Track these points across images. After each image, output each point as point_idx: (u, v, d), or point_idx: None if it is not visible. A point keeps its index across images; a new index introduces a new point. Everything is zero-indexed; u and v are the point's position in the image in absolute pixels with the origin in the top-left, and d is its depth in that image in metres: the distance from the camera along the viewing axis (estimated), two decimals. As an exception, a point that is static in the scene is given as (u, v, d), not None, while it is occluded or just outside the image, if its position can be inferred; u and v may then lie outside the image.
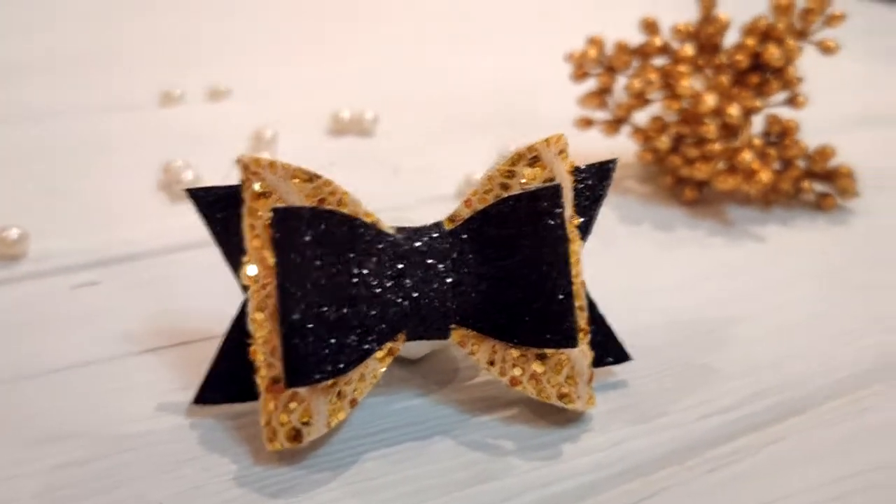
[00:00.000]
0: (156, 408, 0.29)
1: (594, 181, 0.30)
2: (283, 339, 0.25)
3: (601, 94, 0.46)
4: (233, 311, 0.28)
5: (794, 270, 0.39)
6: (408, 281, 0.27)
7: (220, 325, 0.32)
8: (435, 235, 0.28)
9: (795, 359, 0.33)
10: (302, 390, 0.26)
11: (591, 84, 0.47)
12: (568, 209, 0.29)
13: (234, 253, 0.28)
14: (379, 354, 0.27)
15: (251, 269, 0.27)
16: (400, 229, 0.28)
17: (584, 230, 0.30)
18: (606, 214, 0.44)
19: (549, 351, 0.28)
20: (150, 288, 0.36)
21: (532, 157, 0.28)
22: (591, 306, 0.31)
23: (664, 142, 0.44)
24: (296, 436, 0.26)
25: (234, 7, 0.79)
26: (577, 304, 0.28)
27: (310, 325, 0.26)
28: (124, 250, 0.38)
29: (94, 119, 0.51)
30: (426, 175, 0.47)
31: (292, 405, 0.26)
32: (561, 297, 0.27)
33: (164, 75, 0.58)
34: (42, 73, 0.59)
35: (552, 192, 0.28)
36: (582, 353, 0.29)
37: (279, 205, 0.26)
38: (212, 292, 0.35)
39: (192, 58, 0.64)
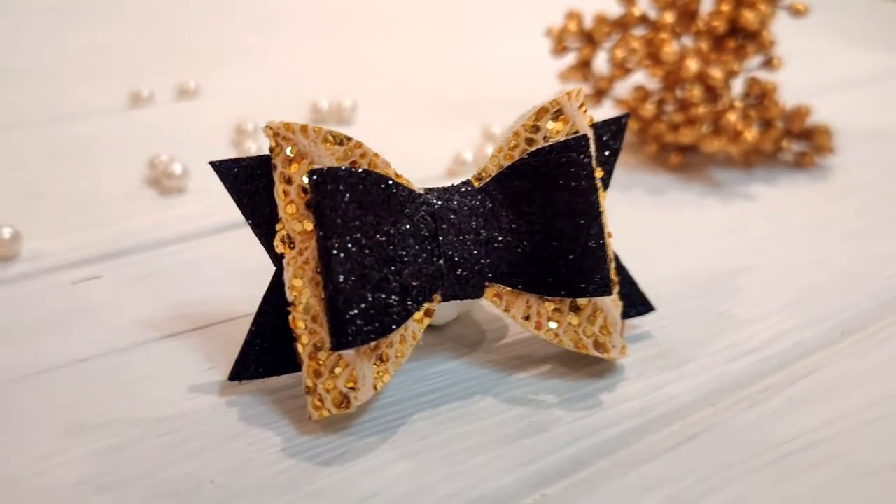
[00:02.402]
0: (188, 389, 0.28)
1: (609, 135, 0.31)
2: (328, 302, 0.25)
3: (582, 68, 0.46)
4: (243, 295, 0.28)
5: (787, 224, 0.41)
6: (442, 239, 0.27)
7: (233, 306, 0.32)
8: (465, 193, 0.28)
9: (809, 300, 0.34)
10: (347, 355, 0.26)
11: (571, 58, 0.47)
12: (593, 161, 0.29)
13: (263, 223, 0.27)
14: (417, 316, 0.27)
15: (286, 237, 0.26)
16: (429, 190, 0.28)
17: (605, 183, 0.31)
18: (598, 184, 0.44)
19: (582, 302, 0.28)
20: (154, 279, 0.35)
21: (555, 110, 0.29)
22: (616, 258, 0.31)
23: (649, 109, 0.44)
24: (343, 401, 0.26)
25: (189, 8, 0.78)
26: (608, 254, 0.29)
27: (354, 288, 0.25)
28: (121, 245, 0.37)
29: (70, 124, 0.50)
30: (411, 158, 0.46)
31: (337, 370, 0.26)
32: (594, 245, 0.28)
33: (130, 79, 0.57)
34: (12, 81, 0.57)
35: (581, 143, 0.28)
36: (614, 303, 0.29)
37: (315, 167, 0.26)
38: (217, 278, 0.35)
39: (155, 61, 0.62)
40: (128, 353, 0.30)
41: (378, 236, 0.26)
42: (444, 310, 0.31)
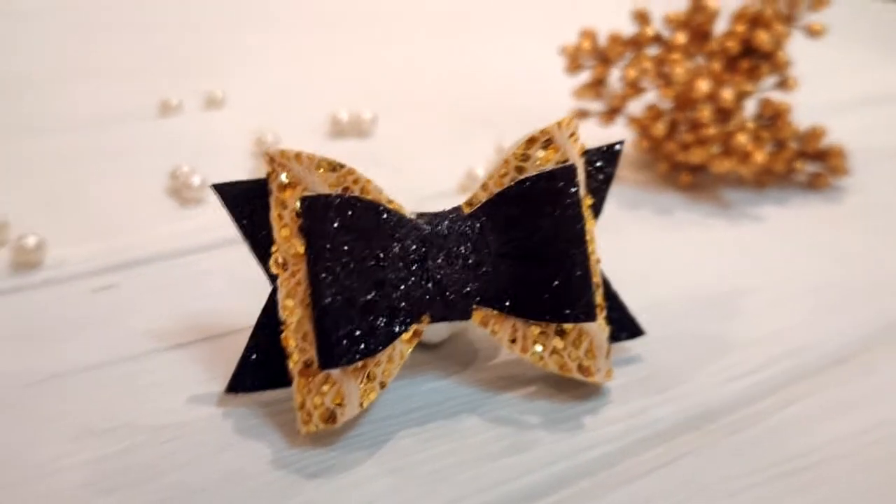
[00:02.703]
0: (188, 399, 0.29)
1: (603, 162, 0.31)
2: (316, 322, 0.26)
3: (596, 86, 0.47)
4: (251, 306, 0.29)
5: (793, 246, 0.41)
6: (430, 263, 0.28)
7: (241, 319, 0.33)
8: (455, 219, 0.29)
9: (803, 326, 0.34)
10: (334, 373, 0.27)
11: (585, 76, 0.48)
12: (581, 189, 0.30)
13: (260, 244, 0.28)
14: (405, 336, 0.28)
15: (280, 258, 0.28)
16: (420, 215, 0.29)
17: (597, 210, 0.31)
18: (607, 201, 0.45)
19: (568, 326, 0.29)
20: (169, 289, 0.36)
21: (545, 140, 0.29)
22: (605, 283, 0.32)
23: (660, 128, 0.45)
24: (330, 417, 0.27)
25: (223, 17, 0.80)
26: (593, 280, 0.29)
27: (341, 309, 0.26)
28: (139, 254, 0.39)
29: (96, 131, 0.52)
30: (426, 173, 0.48)
31: (325, 388, 0.27)
32: (579, 272, 0.28)
33: (160, 86, 0.59)
34: (41, 87, 0.59)
35: (568, 172, 0.29)
36: (600, 327, 0.30)
37: (307, 194, 0.27)
38: (229, 290, 0.36)
39: (185, 68, 0.64)
40: (136, 362, 0.31)
41: (367, 260, 0.27)
42: (437, 329, 0.32)
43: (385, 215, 0.28)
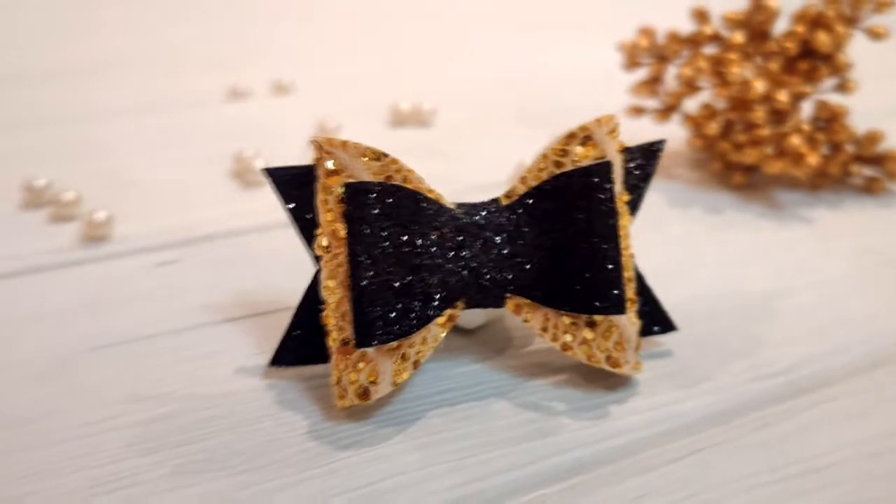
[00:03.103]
0: (235, 371, 0.31)
1: (643, 160, 0.32)
2: (353, 303, 0.28)
3: (652, 83, 0.47)
4: (302, 285, 0.31)
5: (840, 250, 0.40)
6: (466, 252, 0.29)
7: (291, 297, 0.35)
8: (493, 210, 0.30)
9: (839, 329, 0.34)
10: (369, 351, 0.28)
11: (642, 73, 0.48)
12: (618, 185, 0.30)
13: (307, 226, 0.30)
14: (440, 320, 0.29)
15: (324, 241, 0.29)
16: (460, 205, 0.30)
17: (634, 206, 0.32)
18: (657, 198, 0.45)
19: (598, 318, 0.30)
20: (225, 266, 0.38)
21: (584, 136, 0.30)
22: (640, 278, 0.32)
23: (713, 128, 0.45)
24: (364, 393, 0.28)
25: (293, 5, 0.82)
26: (626, 275, 0.30)
27: (377, 291, 0.28)
28: (200, 232, 0.41)
29: (168, 114, 0.55)
30: (480, 163, 0.49)
31: (360, 365, 0.28)
32: (610, 266, 0.29)
33: (231, 72, 0.61)
34: (116, 72, 0.62)
35: (603, 169, 0.29)
36: (630, 321, 0.30)
37: (350, 180, 0.28)
38: (281, 269, 0.38)
39: (256, 56, 0.67)
40: (189, 333, 0.33)
41: (404, 246, 0.28)
42: (474, 315, 0.33)
43: (424, 204, 0.29)
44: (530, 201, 0.30)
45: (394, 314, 0.28)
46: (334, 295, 0.29)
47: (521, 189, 0.30)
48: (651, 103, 0.49)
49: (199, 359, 0.32)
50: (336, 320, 0.29)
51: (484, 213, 0.30)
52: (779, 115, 0.44)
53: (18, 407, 0.29)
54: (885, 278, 0.38)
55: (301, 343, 0.30)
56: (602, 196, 0.29)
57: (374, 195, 0.28)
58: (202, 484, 0.26)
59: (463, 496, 0.26)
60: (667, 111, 0.47)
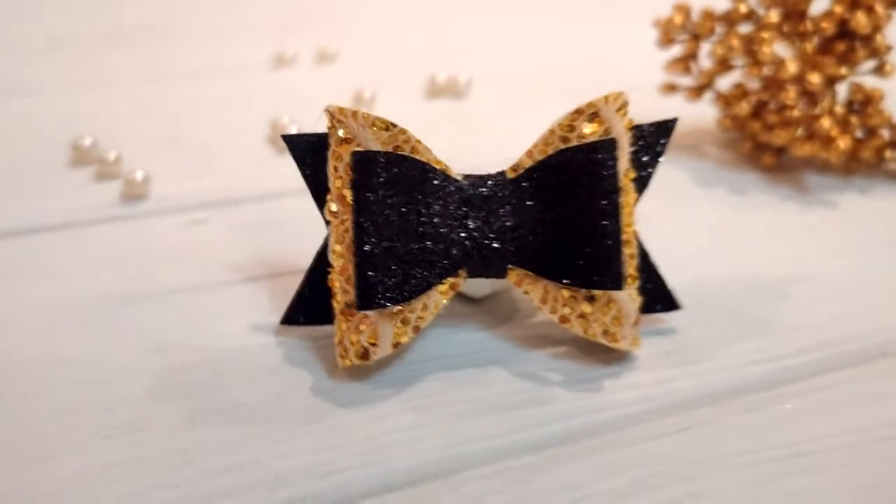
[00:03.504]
0: (250, 327, 0.33)
1: (653, 138, 0.32)
2: (356, 268, 0.29)
3: (686, 61, 0.47)
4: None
5: (865, 237, 0.40)
6: (470, 223, 0.30)
7: (311, 259, 0.36)
8: (498, 182, 0.31)
9: (852, 318, 0.34)
10: (371, 314, 0.29)
11: (676, 50, 0.48)
12: (623, 163, 0.31)
13: (320, 192, 0.31)
14: (442, 288, 0.30)
15: (333, 206, 0.30)
16: (467, 176, 0.31)
17: (642, 184, 0.32)
18: (683, 176, 0.45)
19: (597, 293, 0.30)
20: (251, 228, 0.40)
21: (591, 112, 0.31)
22: (644, 256, 0.33)
23: (744, 107, 0.45)
24: (364, 354, 0.30)
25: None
26: (627, 251, 0.31)
27: (379, 257, 0.29)
28: (231, 195, 0.43)
29: (212, 80, 0.56)
30: (510, 136, 0.49)
31: (362, 327, 0.30)
32: (610, 242, 0.30)
33: (277, 40, 0.62)
34: (168, 38, 0.64)
35: (607, 146, 0.30)
36: (630, 297, 0.31)
37: (358, 149, 0.30)
38: (305, 232, 0.39)
39: (303, 23, 0.68)
40: (212, 290, 0.35)
41: (408, 215, 0.29)
42: (480, 285, 0.34)
43: (430, 174, 0.30)
44: (535, 175, 0.31)
45: (395, 280, 0.29)
46: (340, 259, 0.30)
47: (528, 163, 0.31)
48: (685, 81, 0.49)
49: (218, 314, 0.34)
50: (341, 283, 0.30)
51: (489, 185, 0.31)
52: (810, 97, 0.43)
53: (54, 351, 0.32)
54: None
55: (310, 304, 0.32)
56: (605, 173, 0.30)
57: (381, 164, 0.29)
58: (209, 432, 0.28)
59: (452, 456, 0.28)
60: (699, 89, 0.47)
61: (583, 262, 0.30)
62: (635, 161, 0.32)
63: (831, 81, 0.44)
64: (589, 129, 0.31)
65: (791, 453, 0.28)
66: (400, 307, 0.30)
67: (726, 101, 0.46)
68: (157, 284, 0.35)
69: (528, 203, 0.31)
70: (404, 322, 0.30)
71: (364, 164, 0.29)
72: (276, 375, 0.31)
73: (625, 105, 0.31)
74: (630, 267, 0.31)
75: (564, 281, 0.30)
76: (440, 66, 0.57)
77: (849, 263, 0.38)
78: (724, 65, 0.46)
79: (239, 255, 0.38)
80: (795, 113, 0.43)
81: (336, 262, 0.30)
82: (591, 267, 0.30)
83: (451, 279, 0.30)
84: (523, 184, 0.31)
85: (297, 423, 0.29)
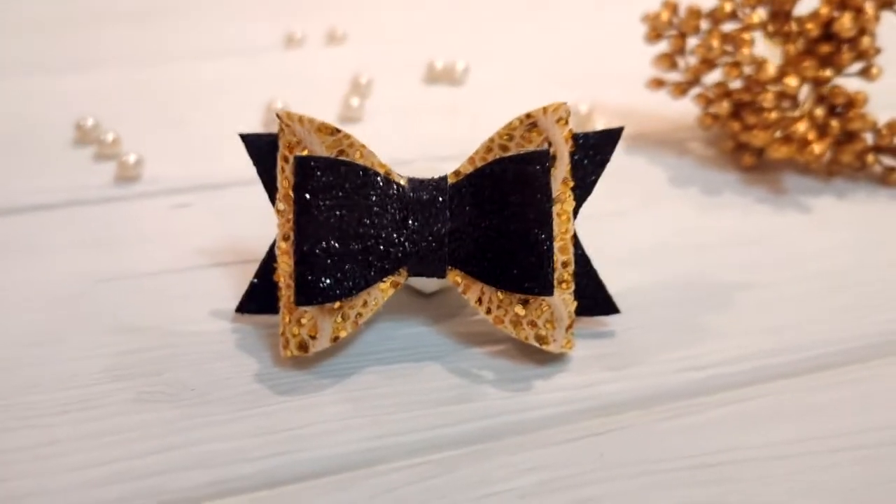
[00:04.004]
0: (210, 313, 0.35)
1: (596, 148, 0.33)
2: (294, 266, 0.31)
3: (672, 57, 0.47)
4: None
5: (832, 243, 0.40)
6: (410, 225, 0.32)
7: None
8: (440, 187, 0.32)
9: (796, 328, 0.35)
10: (311, 309, 0.31)
11: (664, 46, 0.48)
12: (561, 172, 0.32)
13: (272, 190, 0.33)
14: (383, 285, 0.32)
15: (280, 205, 0.32)
16: (410, 180, 0.32)
17: (586, 191, 0.33)
18: (660, 174, 0.45)
19: (531, 297, 0.32)
20: (231, 213, 0.42)
21: (530, 123, 0.32)
22: (584, 260, 0.33)
23: (724, 107, 0.44)
24: (303, 346, 0.32)
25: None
26: (562, 258, 0.32)
27: (318, 256, 0.31)
28: (216, 180, 0.44)
29: (216, 61, 0.58)
30: (500, 125, 0.50)
31: (303, 320, 0.31)
32: (540, 250, 0.31)
33: (288, 20, 0.64)
34: (181, 18, 0.65)
35: (540, 156, 0.31)
36: (563, 301, 0.32)
37: (299, 154, 0.31)
38: (280, 221, 0.41)
39: (317, 3, 0.68)
40: (180, 274, 0.37)
41: (347, 217, 0.31)
42: (428, 280, 0.35)
43: (371, 178, 0.31)
44: (473, 182, 0.32)
45: (333, 279, 0.31)
46: (285, 255, 0.32)
47: (469, 169, 0.32)
48: (673, 76, 0.49)
49: (182, 298, 0.36)
50: (285, 278, 0.32)
51: (430, 190, 0.32)
52: (792, 99, 0.43)
53: (28, 328, 0.34)
54: (873, 277, 0.38)
55: (262, 294, 0.34)
56: (537, 183, 0.31)
57: (320, 169, 0.31)
58: (153, 412, 0.30)
59: (374, 448, 0.29)
60: (683, 86, 0.47)
61: (515, 268, 0.31)
62: (578, 168, 0.33)
63: (817, 83, 0.44)
64: (528, 138, 0.31)
65: (698, 464, 0.29)
66: (340, 303, 0.31)
67: (706, 99, 0.46)
68: (132, 266, 0.38)
69: (465, 208, 0.32)
70: (344, 317, 0.32)
71: (305, 168, 0.31)
72: (224, 361, 0.33)
73: (566, 116, 0.32)
74: (565, 273, 0.32)
75: (498, 286, 0.31)
76: (443, 51, 0.57)
77: (805, 272, 0.38)
78: (707, 63, 0.46)
79: (214, 240, 0.40)
80: (773, 115, 0.43)
81: (281, 257, 0.32)
82: (523, 273, 0.31)
83: (392, 277, 0.32)
84: (462, 189, 0.32)
85: (235, 407, 0.31)
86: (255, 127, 0.50)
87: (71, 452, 0.29)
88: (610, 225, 0.41)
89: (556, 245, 0.32)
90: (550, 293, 0.31)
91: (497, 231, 0.31)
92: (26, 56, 0.58)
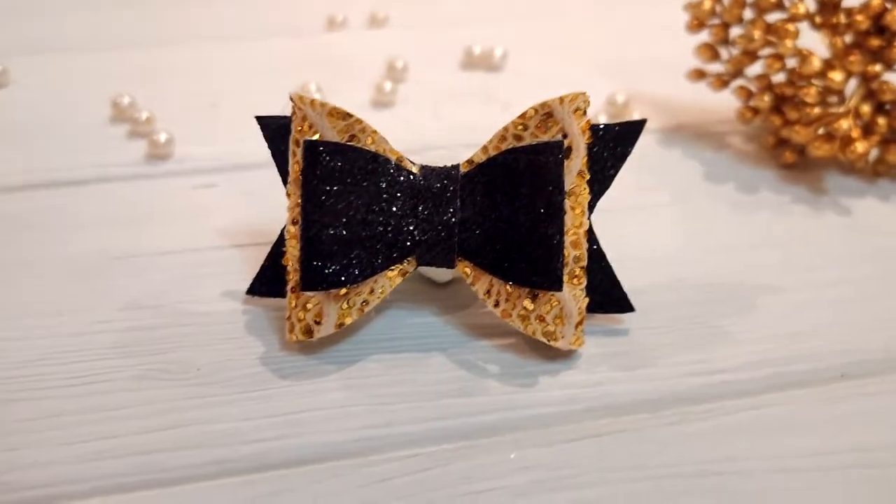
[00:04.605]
0: (222, 293, 0.35)
1: (616, 140, 0.32)
2: (300, 251, 0.31)
3: (713, 47, 0.45)
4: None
5: (865, 249, 0.38)
6: (421, 214, 0.31)
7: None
8: (452, 176, 0.31)
9: (815, 336, 0.33)
10: (317, 294, 0.31)
11: (706, 35, 0.46)
12: (577, 164, 0.31)
13: (285, 173, 0.33)
14: (390, 273, 0.32)
15: (290, 188, 0.32)
16: (422, 167, 0.32)
17: (604, 185, 0.32)
18: (696, 169, 0.44)
19: (540, 291, 0.31)
20: (253, 195, 0.42)
21: (545, 112, 0.31)
22: (600, 256, 0.33)
23: (765, 101, 0.43)
24: (308, 331, 0.31)
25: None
26: (574, 252, 0.31)
27: (325, 242, 0.30)
28: (241, 161, 0.44)
29: (265, 42, 0.58)
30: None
31: (309, 305, 0.31)
32: (550, 244, 0.30)
33: (336, 1, 0.63)
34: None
35: (552, 148, 0.30)
36: (574, 297, 0.31)
37: (313, 138, 0.31)
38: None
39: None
40: (197, 254, 0.38)
41: (356, 203, 0.31)
42: (442, 270, 0.35)
43: (383, 165, 0.31)
44: (485, 172, 0.31)
45: (339, 265, 0.30)
46: (293, 240, 0.32)
47: (481, 158, 0.32)
48: (715, 67, 0.47)
49: (196, 278, 0.36)
50: (293, 262, 0.32)
51: (442, 178, 0.31)
52: (834, 95, 0.41)
53: (48, 300, 0.35)
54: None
55: (272, 277, 0.34)
56: (548, 175, 0.30)
57: (329, 153, 0.30)
58: (156, 389, 0.31)
59: (369, 437, 0.29)
60: (724, 78, 0.45)
61: (523, 261, 0.30)
62: (596, 161, 0.32)
63: (865, 79, 0.42)
64: (542, 129, 0.31)
65: (699, 472, 0.28)
66: (346, 290, 0.31)
67: (747, 93, 0.44)
68: (151, 244, 0.38)
69: (477, 198, 0.31)
70: (350, 304, 0.31)
71: (314, 152, 0.30)
72: (231, 342, 0.33)
73: (584, 106, 0.31)
74: (576, 267, 0.31)
75: (506, 278, 0.31)
76: (484, 37, 0.56)
77: (833, 277, 0.36)
78: (749, 55, 0.44)
79: (235, 221, 0.40)
80: (815, 110, 0.41)
81: (289, 242, 0.32)
82: (531, 266, 0.30)
83: (400, 266, 0.32)
84: (474, 179, 0.31)
85: (237, 389, 0.31)
86: (284, 110, 0.50)
87: (74, 425, 0.29)
88: (636, 219, 0.40)
89: (569, 239, 0.31)
90: (559, 288, 0.30)
91: (507, 223, 0.31)
92: (69, 34, 0.58)
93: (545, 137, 0.31)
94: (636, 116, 0.48)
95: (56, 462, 0.28)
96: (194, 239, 0.38)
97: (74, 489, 0.28)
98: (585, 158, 0.31)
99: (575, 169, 0.31)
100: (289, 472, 0.28)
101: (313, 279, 0.30)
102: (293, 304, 0.32)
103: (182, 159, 0.45)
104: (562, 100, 0.31)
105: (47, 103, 0.50)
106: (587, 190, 0.31)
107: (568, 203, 0.31)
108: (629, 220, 0.39)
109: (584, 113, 0.31)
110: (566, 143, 0.31)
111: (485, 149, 0.32)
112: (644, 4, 0.64)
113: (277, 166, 0.33)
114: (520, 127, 0.31)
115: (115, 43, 0.57)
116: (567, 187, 0.31)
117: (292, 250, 0.32)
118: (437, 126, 0.48)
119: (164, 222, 0.40)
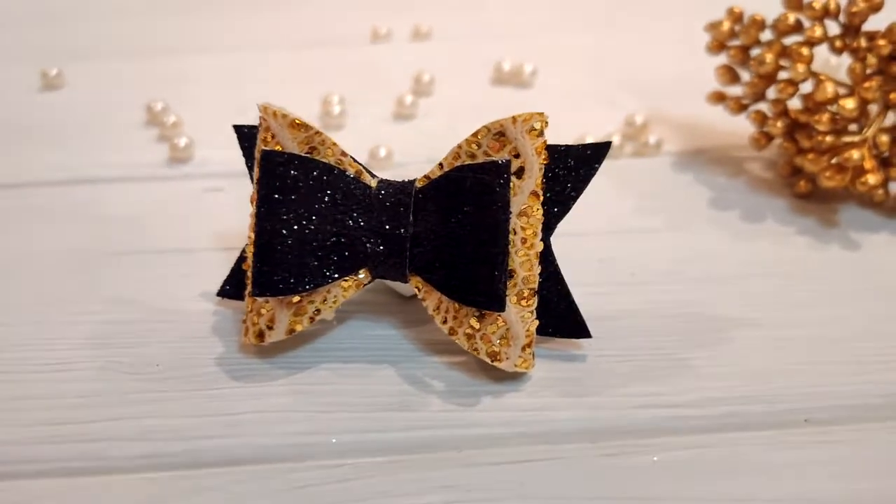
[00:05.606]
0: (198, 294, 0.36)
1: (578, 162, 0.31)
2: (252, 257, 0.31)
3: (732, 70, 0.44)
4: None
5: (865, 286, 0.36)
6: (375, 226, 0.31)
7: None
8: (407, 190, 0.32)
9: (783, 376, 0.32)
10: (270, 300, 0.32)
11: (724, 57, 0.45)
12: (531, 184, 0.30)
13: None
14: (344, 284, 0.32)
15: (252, 196, 0.33)
16: (380, 181, 0.32)
17: (564, 206, 0.31)
18: (704, 194, 0.42)
19: (487, 311, 0.31)
20: (258, 200, 0.43)
21: (497, 131, 0.30)
22: (557, 279, 0.32)
23: (777, 127, 0.41)
24: (261, 335, 0.32)
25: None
26: (523, 273, 0.30)
27: (274, 250, 0.31)
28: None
29: (305, 52, 0.59)
30: (551, 131, 0.48)
31: (263, 311, 0.32)
32: (492, 263, 0.30)
33: (381, 13, 0.64)
34: (264, 8, 0.67)
35: (498, 168, 0.30)
36: (521, 318, 0.31)
37: (265, 148, 0.32)
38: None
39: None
40: (188, 254, 0.39)
41: (309, 213, 0.31)
42: (405, 285, 0.35)
43: (338, 177, 0.31)
44: (438, 187, 0.31)
45: (289, 273, 0.31)
46: (252, 246, 0.32)
47: (436, 174, 0.32)
48: (735, 90, 0.45)
49: (180, 278, 0.38)
50: (250, 268, 0.33)
51: (398, 192, 0.32)
52: (849, 123, 0.39)
53: (43, 291, 0.37)
54: (887, 330, 0.33)
55: (240, 280, 0.35)
56: (494, 195, 0.30)
57: (284, 164, 0.31)
58: (114, 381, 0.32)
59: (302, 444, 0.30)
60: (742, 102, 0.43)
61: (468, 279, 0.30)
62: (555, 182, 0.31)
63: (887, 107, 0.39)
64: (494, 147, 0.30)
65: (619, 507, 0.27)
66: (299, 298, 0.32)
67: (763, 117, 0.42)
68: (147, 242, 0.40)
69: (430, 214, 0.31)
70: (301, 311, 0.32)
71: (269, 162, 0.31)
72: (195, 341, 0.34)
73: (539, 126, 0.30)
74: (525, 289, 0.31)
75: (452, 296, 0.31)
76: (519, 53, 0.56)
77: (822, 314, 0.34)
78: (766, 79, 0.42)
79: (232, 225, 0.41)
80: (827, 139, 0.39)
81: (248, 248, 0.33)
82: (474, 286, 0.30)
83: (354, 277, 0.32)
84: (428, 195, 0.31)
85: (189, 386, 0.32)
86: (311, 118, 0.51)
87: (32, 409, 0.31)
88: (630, 244, 0.39)
89: (518, 260, 0.30)
90: (501, 309, 0.30)
91: (454, 240, 0.31)
92: (120, 40, 0.61)
93: (497, 156, 0.30)
94: (654, 138, 0.47)
95: (20, 442, 0.30)
96: (188, 240, 0.40)
97: (21, 469, 0.29)
98: (540, 179, 0.31)
99: (528, 189, 0.30)
100: (217, 471, 0.29)
101: (263, 285, 0.31)
102: (249, 309, 0.33)
103: (201, 163, 0.47)
104: (514, 119, 0.30)
105: (92, 105, 0.53)
106: (541, 211, 0.31)
107: (519, 223, 0.30)
108: (614, 245, 0.38)
109: (541, 133, 0.31)
110: (519, 162, 0.30)
111: (440, 165, 0.32)
112: (674, 26, 0.62)
113: (250, 172, 0.34)
114: (473, 145, 0.31)
115: (159, 50, 0.59)
116: (519, 207, 0.30)
117: (250, 256, 0.32)
118: (451, 141, 0.48)
119: (167, 222, 0.41)
